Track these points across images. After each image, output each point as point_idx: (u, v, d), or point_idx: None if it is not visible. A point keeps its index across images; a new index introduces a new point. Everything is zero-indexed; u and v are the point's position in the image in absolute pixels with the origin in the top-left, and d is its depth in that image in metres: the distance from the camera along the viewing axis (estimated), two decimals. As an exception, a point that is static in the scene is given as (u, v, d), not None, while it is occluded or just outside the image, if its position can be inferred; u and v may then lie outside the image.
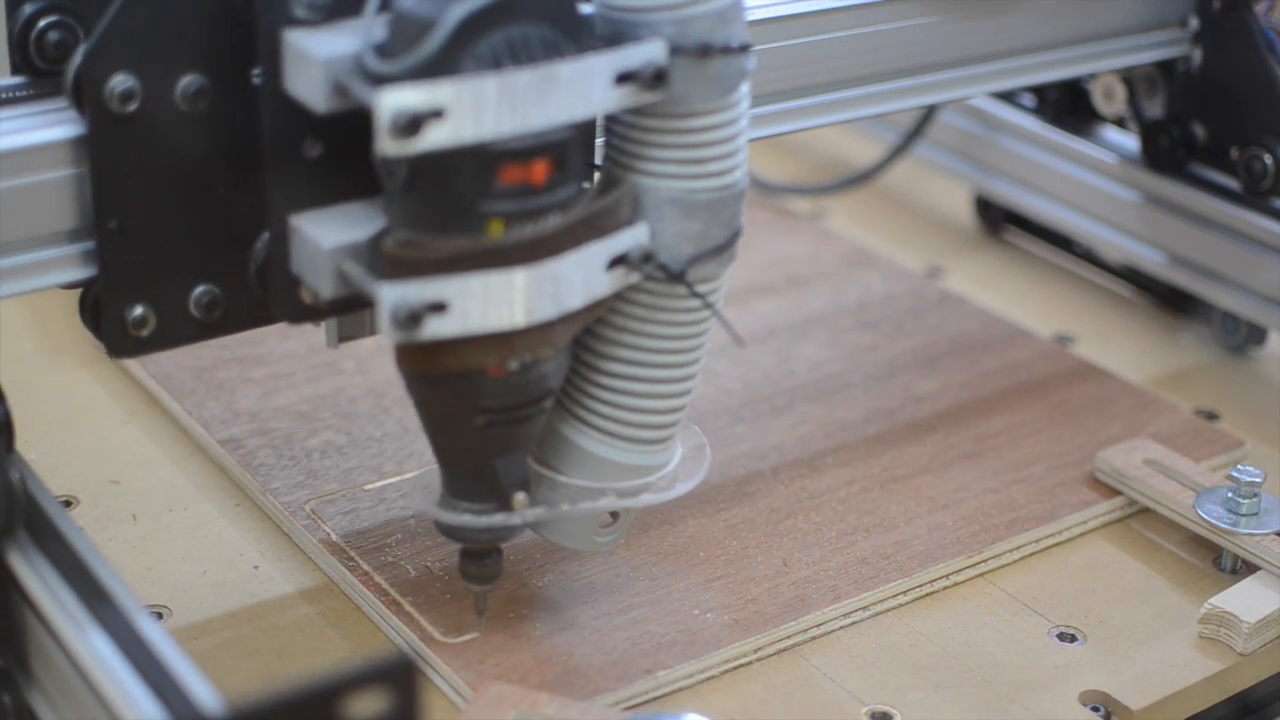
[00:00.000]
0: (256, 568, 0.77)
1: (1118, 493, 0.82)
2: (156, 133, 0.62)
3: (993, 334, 0.97)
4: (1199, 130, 0.96)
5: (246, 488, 0.81)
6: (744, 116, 0.64)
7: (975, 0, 0.85)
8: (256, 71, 0.62)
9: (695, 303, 0.65)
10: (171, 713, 0.56)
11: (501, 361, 0.62)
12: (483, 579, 0.69)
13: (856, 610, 0.75)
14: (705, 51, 0.61)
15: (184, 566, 0.76)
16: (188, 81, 0.62)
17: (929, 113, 1.05)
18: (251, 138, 0.63)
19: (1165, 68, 0.97)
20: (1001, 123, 1.06)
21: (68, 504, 0.80)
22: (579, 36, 0.61)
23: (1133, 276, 1.04)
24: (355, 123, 0.60)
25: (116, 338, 0.64)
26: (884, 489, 0.83)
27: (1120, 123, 1.03)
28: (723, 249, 0.65)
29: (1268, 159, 0.92)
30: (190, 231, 0.64)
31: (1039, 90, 1.05)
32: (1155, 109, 0.99)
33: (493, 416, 0.64)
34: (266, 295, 0.66)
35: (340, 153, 0.63)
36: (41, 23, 0.64)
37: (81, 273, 0.64)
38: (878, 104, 0.84)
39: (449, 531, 0.67)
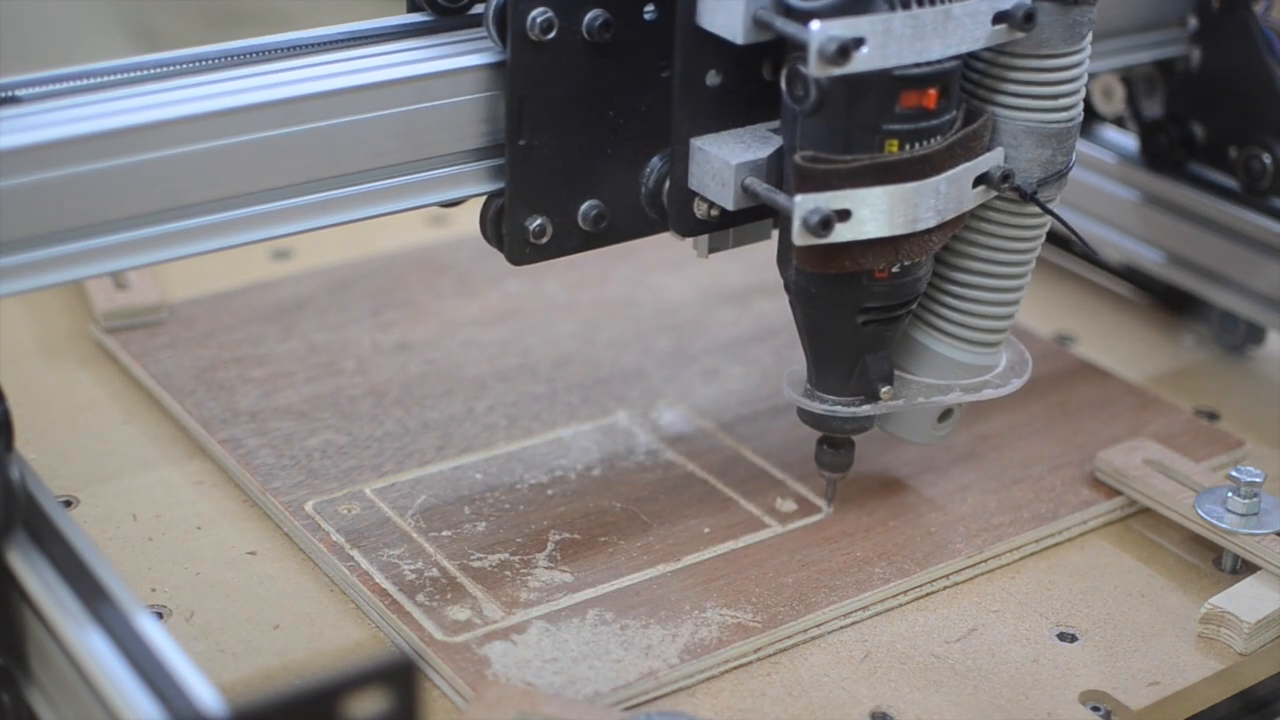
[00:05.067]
0: (256, 568, 0.77)
1: (1118, 493, 0.82)
2: (567, 60, 0.71)
3: (993, 334, 0.97)
4: (1198, 130, 0.96)
5: (246, 488, 0.81)
6: (1087, 59, 0.73)
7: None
8: (649, 8, 0.72)
9: (1035, 219, 0.75)
10: (171, 713, 0.56)
11: (888, 264, 0.71)
12: (837, 467, 0.79)
13: (856, 610, 0.75)
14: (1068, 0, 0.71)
15: (184, 566, 0.77)
16: (594, 15, 0.71)
17: None
18: (642, 68, 0.73)
19: (1164, 67, 0.97)
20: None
21: (68, 504, 0.80)
22: None
23: (1133, 276, 1.04)
24: (750, 57, 0.71)
25: (517, 245, 0.73)
26: (884, 489, 0.83)
27: (1119, 122, 1.03)
28: (1063, 174, 0.74)
29: (1266, 158, 0.92)
30: (585, 151, 0.73)
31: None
32: (1154, 108, 0.99)
33: (871, 315, 0.73)
34: (658, 213, 0.75)
35: (735, 83, 0.72)
36: None
37: (483, 187, 0.73)
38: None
39: (816, 421, 0.77)
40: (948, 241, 0.75)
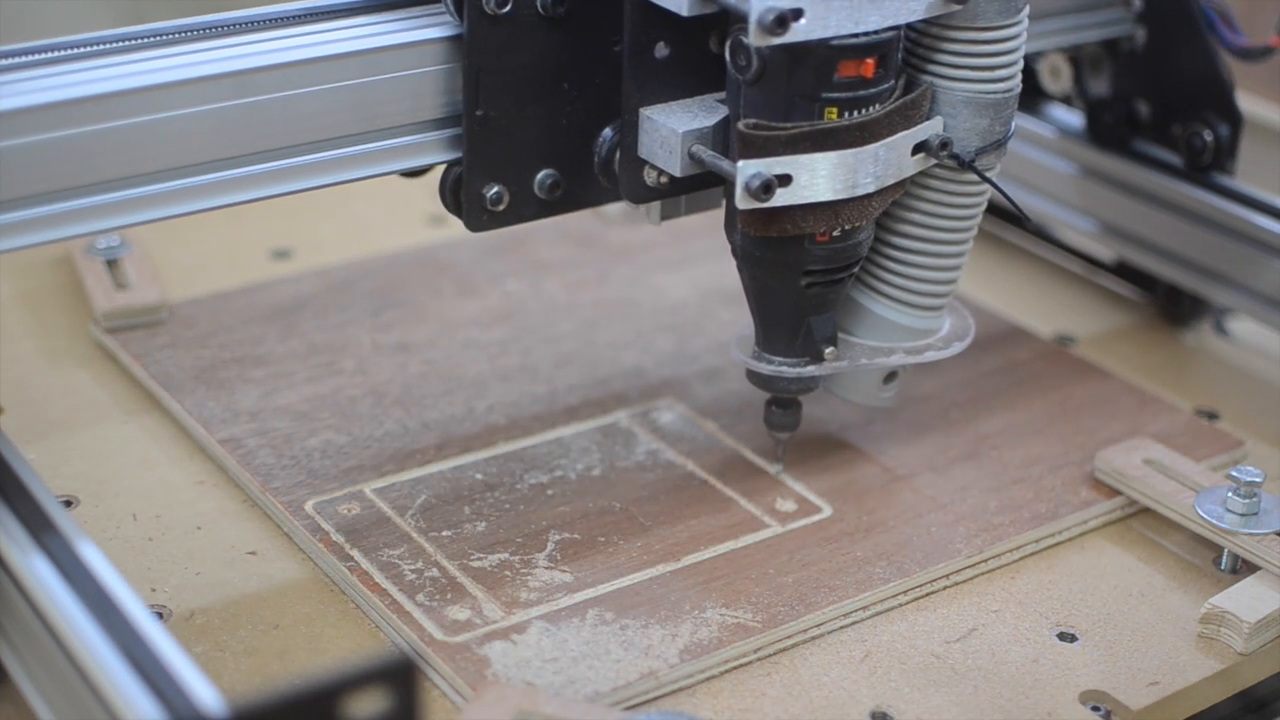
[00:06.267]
0: (256, 568, 0.77)
1: (1118, 493, 0.82)
2: (522, 33, 0.73)
3: (993, 334, 0.97)
4: (1142, 107, 0.99)
5: (246, 488, 0.81)
6: (1024, 32, 0.75)
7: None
8: None
9: (974, 187, 0.77)
10: (171, 713, 0.56)
11: (829, 228, 0.74)
12: (785, 427, 0.82)
13: (856, 610, 0.75)
14: None
15: (184, 566, 0.77)
16: None
17: None
18: (595, 41, 0.75)
19: (1110, 46, 0.99)
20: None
21: (68, 504, 0.80)
22: None
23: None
24: (696, 30, 0.74)
25: (475, 213, 0.76)
26: (884, 489, 0.83)
27: (1067, 100, 1.05)
28: (1002, 143, 0.76)
29: (1207, 135, 0.95)
30: (540, 122, 0.75)
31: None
32: (1101, 87, 1.01)
33: (814, 278, 0.76)
34: (611, 181, 0.77)
35: (682, 55, 0.75)
36: None
37: (441, 156, 0.75)
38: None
39: (763, 381, 0.80)
40: (890, 207, 0.78)
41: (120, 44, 0.69)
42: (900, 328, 0.80)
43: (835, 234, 0.74)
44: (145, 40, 0.70)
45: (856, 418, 0.88)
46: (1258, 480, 0.78)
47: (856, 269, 0.77)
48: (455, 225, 1.06)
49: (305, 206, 1.09)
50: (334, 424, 0.85)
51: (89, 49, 0.69)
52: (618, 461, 0.84)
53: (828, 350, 0.78)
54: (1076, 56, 1.01)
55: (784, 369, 0.79)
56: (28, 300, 0.97)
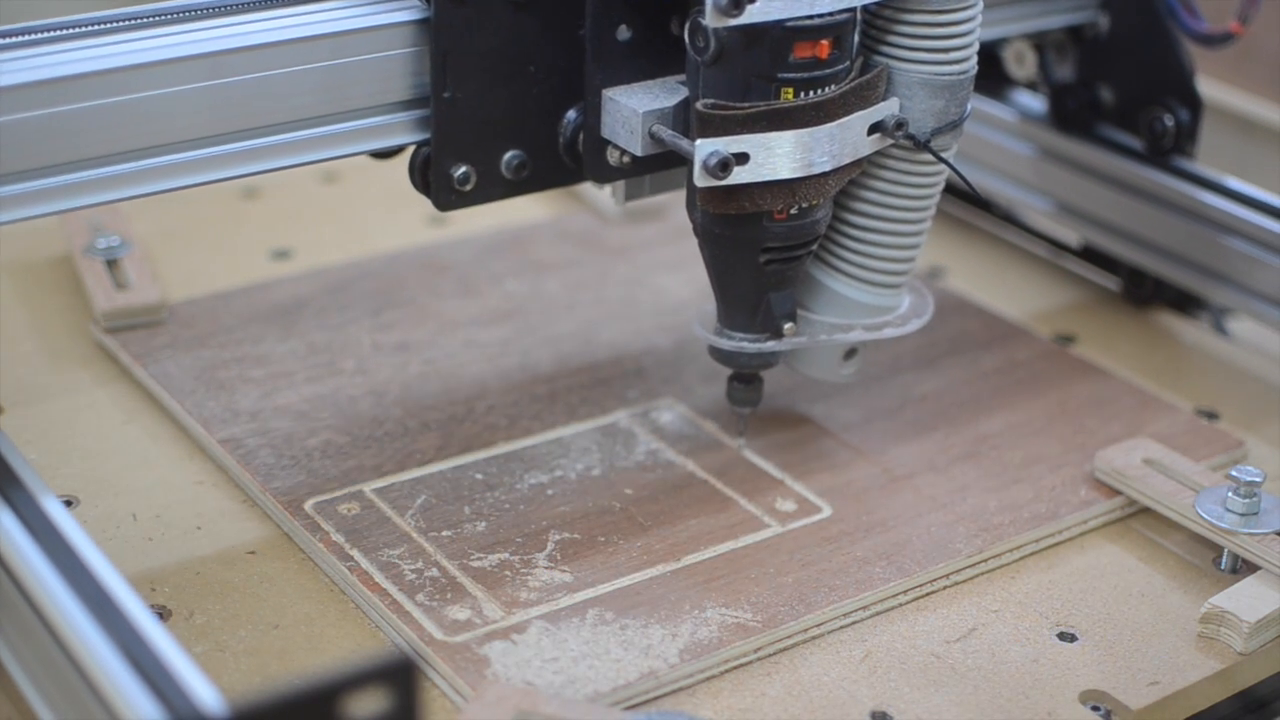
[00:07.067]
0: (256, 568, 0.77)
1: (1118, 493, 0.82)
2: (488, 17, 0.75)
3: (993, 334, 0.97)
4: (1105, 93, 1.00)
5: (246, 488, 0.81)
6: (979, 15, 0.77)
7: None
8: None
9: (932, 167, 0.79)
10: (171, 712, 0.56)
11: (786, 206, 0.75)
12: (747, 402, 0.84)
13: (856, 610, 0.75)
14: None
15: (184, 566, 0.76)
16: None
17: None
18: (560, 25, 0.77)
19: (1074, 33, 1.01)
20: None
21: (68, 504, 0.80)
22: None
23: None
24: (658, 13, 0.77)
25: (443, 192, 0.77)
26: (884, 489, 0.83)
27: (1032, 86, 1.06)
28: (957, 124, 0.78)
29: (1168, 120, 0.97)
30: (506, 104, 0.77)
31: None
32: (1066, 72, 1.02)
33: (773, 255, 0.77)
34: (575, 161, 0.79)
35: (644, 38, 0.77)
36: None
37: (410, 137, 0.77)
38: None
39: (725, 357, 0.81)
40: (848, 186, 0.79)
41: (94, 27, 0.70)
42: (859, 304, 0.82)
43: (793, 212, 0.76)
44: (120, 23, 0.70)
45: (856, 418, 0.88)
46: (1258, 480, 0.78)
47: (815, 246, 0.79)
48: (455, 225, 1.07)
49: (305, 206, 1.09)
50: (334, 424, 0.85)
51: (61, 31, 0.69)
52: (618, 461, 0.84)
53: (787, 326, 0.80)
54: (1041, 43, 1.03)
55: (744, 345, 0.80)
56: (28, 300, 0.97)
